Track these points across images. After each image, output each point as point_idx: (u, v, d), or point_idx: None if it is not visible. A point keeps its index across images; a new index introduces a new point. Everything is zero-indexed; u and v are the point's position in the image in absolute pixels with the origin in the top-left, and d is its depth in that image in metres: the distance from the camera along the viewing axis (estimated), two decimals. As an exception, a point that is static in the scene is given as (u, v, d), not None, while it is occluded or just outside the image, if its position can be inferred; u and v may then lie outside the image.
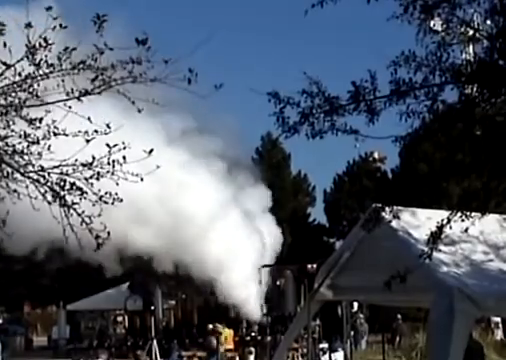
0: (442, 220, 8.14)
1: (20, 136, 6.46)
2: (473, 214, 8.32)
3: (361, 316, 30.09)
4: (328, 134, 7.72)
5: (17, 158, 6.55)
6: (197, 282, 31.17)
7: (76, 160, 6.50)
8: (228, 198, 30.61)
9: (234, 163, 32.03)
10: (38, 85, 6.39)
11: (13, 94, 6.40)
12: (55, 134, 6.45)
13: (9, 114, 6.42)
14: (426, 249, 8.20)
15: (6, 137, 6.49)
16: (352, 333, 24.36)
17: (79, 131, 6.45)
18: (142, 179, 6.62)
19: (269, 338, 26.33)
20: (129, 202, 7.16)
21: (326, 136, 7.75)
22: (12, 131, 6.47)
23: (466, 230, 8.73)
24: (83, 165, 6.50)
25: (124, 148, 6.44)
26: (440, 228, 8.11)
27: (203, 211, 29.30)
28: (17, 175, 6.57)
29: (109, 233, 6.58)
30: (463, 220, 8.23)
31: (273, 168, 54.57)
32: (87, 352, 29.52)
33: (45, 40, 6.21)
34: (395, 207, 8.88)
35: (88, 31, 6.34)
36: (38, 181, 6.57)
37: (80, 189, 6.49)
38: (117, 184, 6.56)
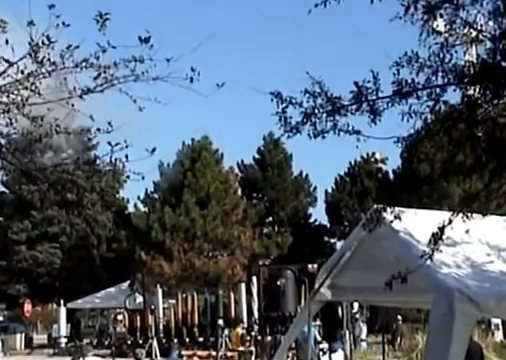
0: (443, 221, 8.13)
1: (22, 134, 6.46)
2: (474, 215, 8.31)
3: (357, 316, 30.16)
4: (330, 134, 7.71)
5: (19, 156, 6.55)
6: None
7: (78, 158, 6.51)
8: None
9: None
10: (40, 83, 6.39)
11: (15, 92, 6.40)
12: (57, 132, 6.45)
13: (11, 112, 6.42)
14: (427, 250, 8.18)
15: (8, 135, 6.49)
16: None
17: (82, 129, 6.46)
18: (143, 178, 6.63)
19: (269, 338, 26.33)
20: None
21: (328, 136, 7.74)
22: (14, 129, 6.47)
23: (467, 231, 8.72)
24: (85, 163, 6.50)
25: (126, 146, 6.44)
26: (441, 229, 8.10)
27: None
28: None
29: (110, 230, 6.58)
30: (464, 221, 8.22)
31: (274, 168, 54.60)
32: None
33: (48, 38, 6.21)
34: (396, 208, 8.86)
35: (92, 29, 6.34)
36: (40, 179, 6.57)
37: (82, 187, 6.50)
38: (118, 182, 6.57)
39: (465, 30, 7.68)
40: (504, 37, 7.30)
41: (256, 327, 29.35)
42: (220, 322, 30.03)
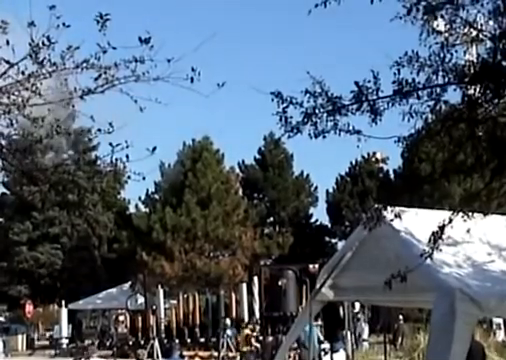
0: (443, 220, 8.13)
1: (23, 135, 6.46)
2: (475, 215, 8.31)
3: (358, 316, 30.16)
4: (331, 134, 7.71)
5: (20, 157, 6.55)
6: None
7: (79, 159, 6.51)
8: None
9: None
10: (41, 84, 6.39)
11: (16, 93, 6.40)
12: (58, 133, 6.45)
13: (12, 113, 6.42)
14: (427, 249, 8.18)
15: (9, 136, 6.49)
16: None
17: (82, 130, 6.47)
18: (144, 178, 6.63)
19: (271, 338, 26.33)
20: None
21: (329, 136, 7.74)
22: (15, 130, 6.47)
23: (468, 231, 8.72)
24: (86, 164, 6.51)
25: (127, 147, 6.44)
26: (441, 228, 8.10)
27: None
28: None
29: (111, 231, 6.60)
30: (465, 220, 8.21)
31: (275, 168, 54.64)
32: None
33: (48, 39, 6.21)
34: (397, 207, 8.86)
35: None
36: (41, 180, 6.58)
37: (83, 188, 6.50)
38: (119, 182, 6.58)
39: (465, 30, 7.69)
40: (504, 36, 7.31)
41: (258, 327, 29.37)
42: (227, 322, 30.00)
